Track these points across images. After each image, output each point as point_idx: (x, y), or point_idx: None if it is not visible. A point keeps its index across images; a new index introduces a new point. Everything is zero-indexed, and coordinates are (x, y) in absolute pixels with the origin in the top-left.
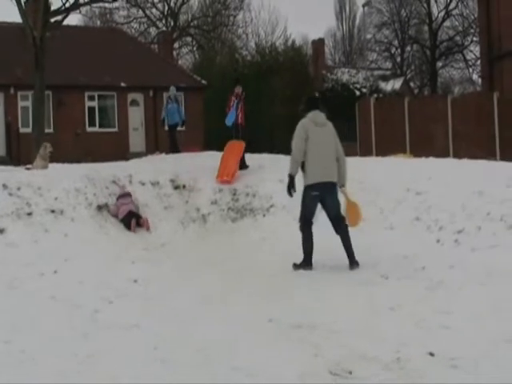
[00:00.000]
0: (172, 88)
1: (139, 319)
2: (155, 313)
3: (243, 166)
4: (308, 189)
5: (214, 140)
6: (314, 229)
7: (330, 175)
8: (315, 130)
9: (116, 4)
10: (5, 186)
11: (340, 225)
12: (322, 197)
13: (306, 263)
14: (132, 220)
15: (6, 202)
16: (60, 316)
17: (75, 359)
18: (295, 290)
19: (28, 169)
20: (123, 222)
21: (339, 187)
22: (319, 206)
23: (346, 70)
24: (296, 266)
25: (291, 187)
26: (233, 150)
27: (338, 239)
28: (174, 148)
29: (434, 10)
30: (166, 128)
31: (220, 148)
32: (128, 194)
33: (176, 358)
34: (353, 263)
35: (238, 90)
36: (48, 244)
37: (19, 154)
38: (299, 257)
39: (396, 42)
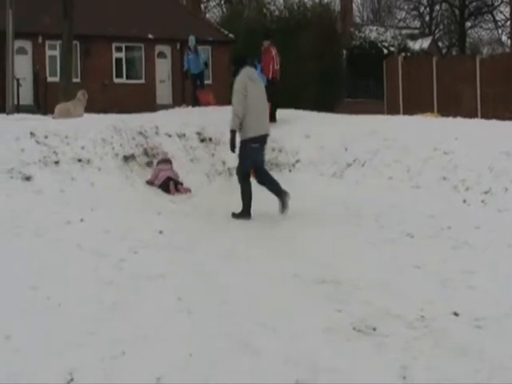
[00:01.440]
0: (191, 38)
1: (164, 270)
2: (180, 264)
3: (272, 118)
4: (248, 142)
5: None
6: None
7: (266, 128)
8: (251, 85)
9: None
10: (32, 134)
11: (264, 175)
12: (258, 149)
13: (246, 214)
14: (170, 183)
15: (33, 149)
16: (86, 264)
17: (100, 307)
18: (320, 246)
19: (55, 118)
20: (161, 187)
21: None
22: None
23: (374, 27)
24: (235, 215)
25: (234, 142)
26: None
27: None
28: (195, 100)
29: None
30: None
31: None
32: (168, 161)
33: (200, 309)
34: (284, 207)
35: (266, 43)
36: (74, 193)
37: (46, 102)
38: (325, 214)
39: (425, 1)
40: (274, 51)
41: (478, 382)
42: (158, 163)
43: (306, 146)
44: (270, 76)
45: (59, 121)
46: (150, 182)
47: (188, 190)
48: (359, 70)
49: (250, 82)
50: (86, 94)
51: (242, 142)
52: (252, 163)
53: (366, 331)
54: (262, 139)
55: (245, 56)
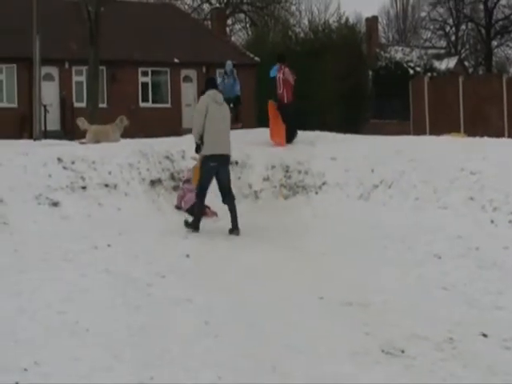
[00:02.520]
0: (228, 63)
1: (191, 294)
2: (207, 288)
3: (288, 139)
4: (206, 159)
5: (265, 117)
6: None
7: (224, 149)
8: (214, 106)
9: None
10: (60, 160)
11: (228, 195)
12: (217, 168)
13: (195, 227)
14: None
15: (60, 175)
16: (113, 289)
17: (128, 331)
18: (347, 268)
19: (83, 143)
20: (188, 211)
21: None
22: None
23: (400, 48)
24: (187, 224)
25: (198, 149)
26: (276, 112)
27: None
28: None
29: None
30: None
31: None
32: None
33: (227, 333)
34: (234, 229)
35: (278, 66)
36: (101, 217)
37: (73, 128)
38: (351, 236)
39: (450, 21)
40: (281, 75)
41: None
42: (184, 182)
43: (332, 168)
44: (285, 100)
45: (87, 146)
46: (178, 207)
47: (214, 214)
48: (385, 90)
49: (212, 104)
50: (126, 120)
51: (203, 159)
52: (214, 180)
53: (394, 353)
54: (219, 159)
55: (214, 79)
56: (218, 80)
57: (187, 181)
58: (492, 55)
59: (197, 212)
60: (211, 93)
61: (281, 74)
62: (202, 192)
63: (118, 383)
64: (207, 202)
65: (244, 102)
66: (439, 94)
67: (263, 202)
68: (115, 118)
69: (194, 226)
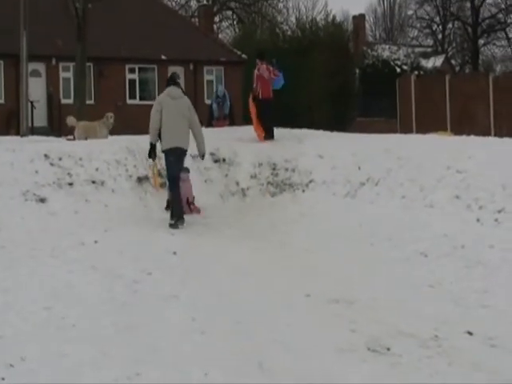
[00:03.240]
0: (220, 89)
1: (178, 290)
2: (193, 284)
3: (268, 135)
4: (165, 154)
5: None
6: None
7: (180, 142)
8: (170, 102)
9: None
10: (46, 156)
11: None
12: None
13: (179, 219)
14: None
15: (47, 171)
16: (100, 285)
17: (114, 328)
18: (333, 265)
19: (70, 139)
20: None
21: (200, 157)
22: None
23: (387, 46)
24: (171, 226)
25: (152, 153)
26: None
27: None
28: (209, 122)
29: None
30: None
31: None
32: (187, 169)
33: (214, 329)
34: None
35: (258, 62)
36: (88, 214)
37: (60, 124)
38: (338, 233)
39: (437, 19)
40: (256, 71)
41: None
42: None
43: (319, 166)
44: (260, 96)
45: (74, 142)
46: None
47: (198, 211)
48: (372, 88)
49: (167, 99)
50: (113, 116)
51: (164, 153)
52: (198, 179)
53: (380, 351)
54: (176, 151)
55: (174, 75)
56: (213, 103)
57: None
58: (479, 54)
59: (176, 205)
60: (168, 89)
61: (256, 70)
62: (173, 183)
63: (104, 380)
64: (199, 201)
65: (232, 100)
66: (426, 92)
67: (250, 199)
68: (102, 115)
69: (178, 220)
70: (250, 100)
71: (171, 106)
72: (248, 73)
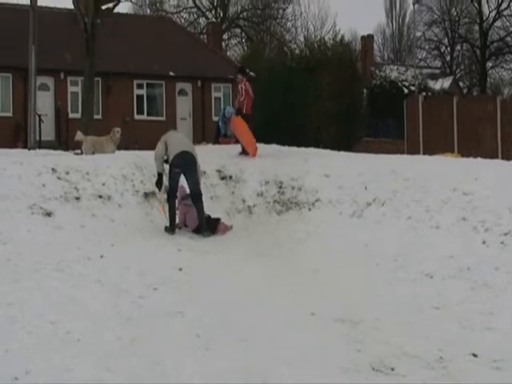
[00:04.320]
0: (228, 110)
1: (183, 307)
2: (199, 301)
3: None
4: (171, 166)
5: (260, 131)
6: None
7: (187, 147)
8: (173, 134)
9: None
10: (54, 170)
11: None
12: (182, 171)
13: (171, 229)
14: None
15: (54, 185)
16: (105, 300)
17: (119, 343)
18: (339, 285)
19: (77, 154)
20: (195, 231)
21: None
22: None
23: (395, 67)
24: (165, 229)
25: (159, 183)
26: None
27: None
28: (216, 139)
29: (485, 10)
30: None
31: (267, 140)
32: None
33: (219, 346)
34: (204, 230)
35: (239, 77)
36: (95, 228)
37: (68, 138)
38: (344, 253)
39: (446, 41)
40: (245, 87)
41: None
42: (183, 199)
43: (325, 185)
44: (244, 111)
45: (82, 156)
46: (180, 227)
47: (228, 228)
48: (379, 109)
49: (174, 133)
50: (120, 132)
51: (170, 166)
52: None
53: (384, 371)
54: (183, 158)
55: None
56: (219, 121)
57: (186, 197)
58: (487, 76)
59: (171, 216)
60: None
61: (243, 84)
62: (171, 196)
63: None
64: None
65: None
66: (433, 113)
67: (257, 217)
68: (110, 130)
69: (170, 229)
70: (237, 118)
71: (175, 136)
72: (255, 91)
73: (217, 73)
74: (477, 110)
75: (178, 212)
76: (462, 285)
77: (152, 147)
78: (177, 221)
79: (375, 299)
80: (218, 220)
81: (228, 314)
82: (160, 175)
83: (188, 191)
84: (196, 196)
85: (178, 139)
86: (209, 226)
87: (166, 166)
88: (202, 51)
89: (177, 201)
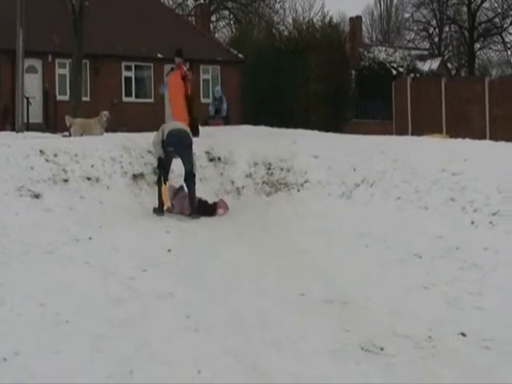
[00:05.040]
0: (217, 89)
1: (172, 288)
2: (188, 282)
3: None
4: (164, 145)
5: (250, 114)
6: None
7: (181, 126)
8: (170, 122)
9: None
10: (42, 152)
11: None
12: (177, 152)
13: (160, 210)
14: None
15: (42, 167)
16: (94, 282)
17: (108, 324)
18: (328, 266)
19: (65, 136)
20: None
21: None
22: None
23: (383, 48)
24: (154, 210)
25: (159, 168)
26: (176, 82)
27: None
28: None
29: None
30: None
31: (255, 122)
32: (181, 188)
33: (208, 328)
34: (193, 213)
35: (177, 60)
36: (83, 210)
37: (56, 121)
38: (333, 233)
39: (434, 22)
40: (185, 68)
41: None
42: (176, 193)
43: (314, 166)
44: (189, 92)
45: (70, 139)
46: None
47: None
48: (368, 90)
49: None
50: (107, 115)
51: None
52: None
53: (373, 351)
54: (177, 135)
55: None
56: (210, 104)
57: (180, 188)
58: (475, 57)
59: (159, 195)
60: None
61: (184, 66)
62: (159, 174)
63: (98, 377)
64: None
65: (228, 99)
66: (422, 94)
67: (246, 198)
68: (98, 112)
69: (159, 210)
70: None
71: (174, 122)
72: (244, 73)
73: (205, 55)
74: (465, 91)
75: (174, 204)
76: (451, 265)
77: (140, 129)
78: (168, 204)
79: (364, 279)
80: (215, 204)
81: (217, 295)
82: (160, 160)
83: (177, 186)
84: (189, 176)
85: (174, 123)
86: (199, 210)
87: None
88: (190, 33)
89: (169, 201)
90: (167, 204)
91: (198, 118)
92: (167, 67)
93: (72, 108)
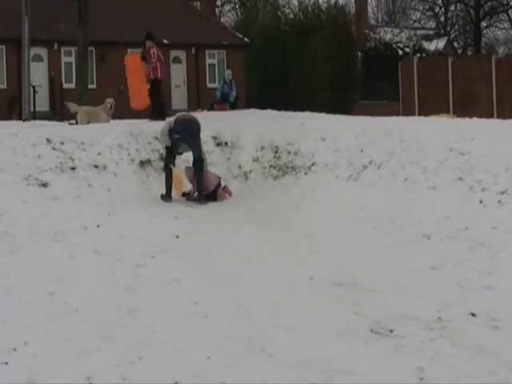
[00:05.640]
0: (227, 72)
1: (180, 274)
2: (196, 268)
3: (161, 116)
4: (171, 131)
5: (256, 97)
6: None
7: (190, 115)
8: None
9: None
10: (48, 141)
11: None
12: (184, 139)
13: (167, 196)
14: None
15: (49, 156)
16: (102, 270)
17: (117, 312)
18: (336, 248)
19: (72, 124)
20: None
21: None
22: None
23: (389, 29)
24: (162, 197)
25: (168, 156)
26: (134, 67)
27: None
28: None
29: None
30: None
31: (262, 105)
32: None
33: (216, 313)
34: (201, 198)
35: (148, 44)
36: (91, 198)
37: (62, 109)
38: (341, 216)
39: (440, 1)
40: (156, 52)
41: (494, 382)
42: (187, 169)
43: (321, 149)
44: (159, 76)
45: (76, 126)
46: (187, 194)
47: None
48: (374, 71)
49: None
50: (112, 102)
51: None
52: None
53: (383, 333)
54: (186, 122)
55: None
56: (218, 86)
57: (189, 168)
58: (481, 36)
59: (167, 183)
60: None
61: (154, 49)
62: (166, 162)
63: (107, 364)
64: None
65: (236, 85)
66: (428, 74)
67: (253, 182)
68: (104, 99)
69: (167, 196)
70: (133, 61)
71: (182, 112)
72: (250, 56)
73: (211, 39)
74: (472, 70)
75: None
76: (460, 245)
77: (147, 115)
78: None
79: (373, 262)
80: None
81: (225, 280)
82: (168, 148)
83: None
84: (198, 162)
85: (182, 112)
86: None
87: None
88: (195, 18)
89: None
90: (181, 190)
91: (164, 103)
92: (173, 53)
93: (78, 96)
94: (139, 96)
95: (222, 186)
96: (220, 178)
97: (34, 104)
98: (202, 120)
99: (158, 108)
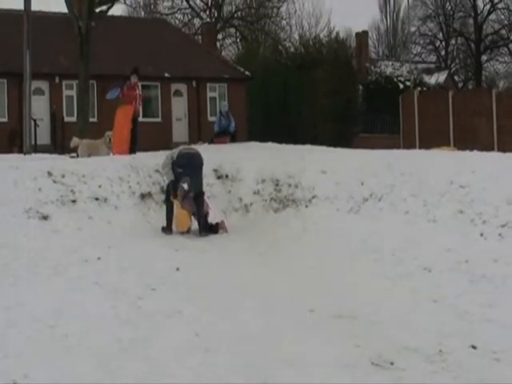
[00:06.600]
0: (224, 104)
1: (181, 306)
2: (197, 300)
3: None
4: (173, 165)
5: (257, 130)
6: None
7: (193, 149)
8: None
9: None
10: (49, 174)
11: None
12: (187, 173)
13: (168, 229)
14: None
15: (50, 189)
16: (104, 302)
17: (118, 345)
18: (336, 281)
19: (73, 157)
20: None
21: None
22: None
23: (390, 62)
24: (162, 229)
25: (173, 191)
26: (125, 118)
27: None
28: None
29: (480, 3)
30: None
31: (263, 138)
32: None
33: (218, 346)
34: (201, 231)
35: (134, 79)
36: (92, 231)
37: (64, 142)
38: (342, 249)
39: (440, 35)
40: (138, 89)
41: None
42: (187, 192)
43: (322, 181)
44: (138, 113)
45: (77, 160)
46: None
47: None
48: (375, 104)
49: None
50: (111, 135)
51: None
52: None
53: (383, 365)
54: (188, 157)
55: None
56: (216, 119)
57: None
58: (482, 70)
59: (167, 214)
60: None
61: (138, 88)
62: (166, 193)
63: None
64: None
65: (235, 116)
66: (429, 108)
67: (254, 215)
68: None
69: (167, 229)
70: (123, 114)
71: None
72: (251, 90)
73: (212, 73)
74: (472, 103)
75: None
76: (461, 277)
77: (147, 148)
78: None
79: (373, 294)
80: (217, 224)
81: (226, 312)
82: (172, 182)
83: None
84: (198, 195)
85: (184, 146)
86: (208, 228)
87: None
88: (196, 52)
89: (178, 202)
90: (184, 227)
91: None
92: (174, 86)
93: (79, 129)
94: (121, 144)
95: (220, 221)
96: (209, 208)
97: (35, 137)
98: (203, 153)
99: (134, 143)
